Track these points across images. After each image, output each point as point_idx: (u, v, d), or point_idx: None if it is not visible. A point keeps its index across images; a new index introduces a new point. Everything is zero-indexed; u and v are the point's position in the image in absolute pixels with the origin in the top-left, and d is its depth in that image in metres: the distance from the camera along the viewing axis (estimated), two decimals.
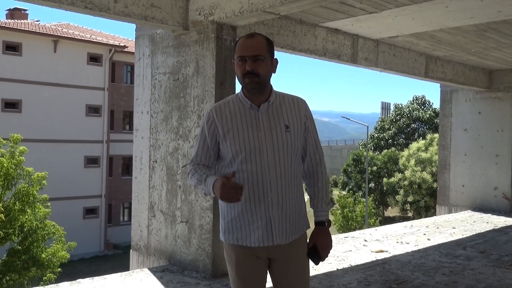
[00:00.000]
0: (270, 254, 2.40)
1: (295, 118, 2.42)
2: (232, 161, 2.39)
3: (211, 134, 2.43)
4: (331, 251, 2.52)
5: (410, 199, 32.82)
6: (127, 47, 31.40)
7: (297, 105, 2.45)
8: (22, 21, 30.28)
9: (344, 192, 36.59)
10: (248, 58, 2.31)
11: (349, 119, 36.27)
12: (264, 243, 2.35)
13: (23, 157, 16.98)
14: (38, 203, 17.21)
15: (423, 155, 32.78)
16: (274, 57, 2.43)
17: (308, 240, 2.50)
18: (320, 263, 2.51)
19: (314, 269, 5.23)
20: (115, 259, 28.34)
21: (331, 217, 25.97)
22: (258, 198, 2.34)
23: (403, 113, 44.59)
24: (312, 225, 2.52)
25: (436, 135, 30.69)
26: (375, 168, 37.82)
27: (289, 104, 2.44)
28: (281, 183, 2.35)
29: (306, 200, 2.50)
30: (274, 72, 2.43)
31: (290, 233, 2.39)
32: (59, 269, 17.28)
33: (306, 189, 2.65)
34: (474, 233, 8.09)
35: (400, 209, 35.77)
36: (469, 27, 6.99)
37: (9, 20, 30.14)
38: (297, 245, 2.44)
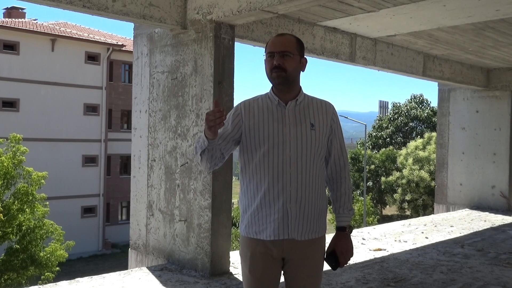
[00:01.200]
0: (285, 253, 2.39)
1: (321, 119, 2.45)
2: (254, 153, 2.40)
3: (234, 124, 2.44)
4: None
5: (408, 197, 32.88)
6: (125, 46, 31.36)
7: (325, 108, 2.49)
8: (20, 20, 30.24)
9: None
10: (276, 54, 2.36)
11: (347, 117, 36.25)
12: (280, 236, 2.35)
13: (23, 157, 16.98)
14: (37, 202, 17.22)
15: (421, 153, 32.84)
16: (304, 57, 2.48)
17: (328, 245, 2.50)
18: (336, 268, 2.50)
19: None
20: (113, 258, 28.35)
21: (329, 215, 25.98)
22: (277, 191, 2.35)
23: (401, 112, 44.63)
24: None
25: (434, 133, 30.76)
26: (373, 166, 37.86)
27: (316, 106, 2.48)
28: (301, 178, 2.36)
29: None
30: (303, 71, 2.48)
31: (307, 230, 2.38)
32: (57, 268, 17.28)
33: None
34: (472, 231, 8.11)
35: (398, 208, 35.85)
36: (467, 26, 7.00)
37: (7, 19, 30.09)
38: (314, 246, 2.42)
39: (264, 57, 2.44)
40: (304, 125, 2.40)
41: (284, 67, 2.36)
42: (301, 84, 2.50)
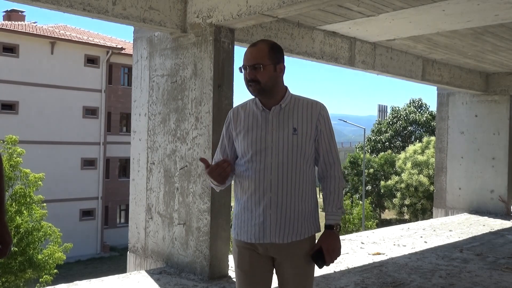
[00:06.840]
0: (269, 253, 2.47)
1: (306, 121, 2.45)
2: (240, 159, 2.51)
3: (228, 134, 2.58)
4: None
5: (407, 201, 32.88)
6: (124, 49, 31.39)
7: (311, 109, 2.48)
8: (19, 22, 30.22)
9: None
10: (248, 67, 2.41)
11: (346, 121, 36.28)
12: (260, 240, 2.42)
13: (20, 159, 16.94)
14: (34, 204, 17.16)
15: (420, 158, 32.85)
16: (281, 63, 2.47)
17: (316, 243, 2.52)
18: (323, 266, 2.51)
19: None
20: (111, 261, 28.29)
21: None
22: (258, 197, 2.43)
23: (400, 116, 44.70)
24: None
25: (433, 138, 30.77)
26: (372, 170, 37.87)
27: (302, 108, 2.47)
28: (282, 183, 2.40)
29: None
30: (280, 77, 2.48)
31: (288, 233, 2.41)
32: (55, 271, 17.22)
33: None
34: (470, 235, 8.11)
35: (397, 212, 35.82)
36: (466, 30, 7.02)
37: (6, 22, 30.08)
38: (298, 247, 2.44)
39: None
40: (286, 130, 2.42)
41: (258, 80, 2.39)
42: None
